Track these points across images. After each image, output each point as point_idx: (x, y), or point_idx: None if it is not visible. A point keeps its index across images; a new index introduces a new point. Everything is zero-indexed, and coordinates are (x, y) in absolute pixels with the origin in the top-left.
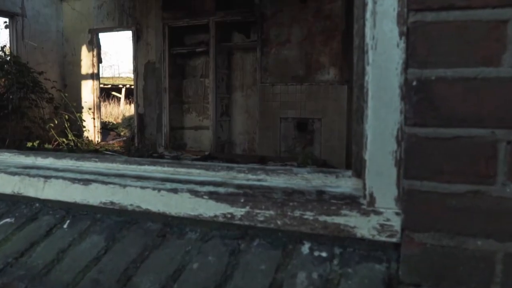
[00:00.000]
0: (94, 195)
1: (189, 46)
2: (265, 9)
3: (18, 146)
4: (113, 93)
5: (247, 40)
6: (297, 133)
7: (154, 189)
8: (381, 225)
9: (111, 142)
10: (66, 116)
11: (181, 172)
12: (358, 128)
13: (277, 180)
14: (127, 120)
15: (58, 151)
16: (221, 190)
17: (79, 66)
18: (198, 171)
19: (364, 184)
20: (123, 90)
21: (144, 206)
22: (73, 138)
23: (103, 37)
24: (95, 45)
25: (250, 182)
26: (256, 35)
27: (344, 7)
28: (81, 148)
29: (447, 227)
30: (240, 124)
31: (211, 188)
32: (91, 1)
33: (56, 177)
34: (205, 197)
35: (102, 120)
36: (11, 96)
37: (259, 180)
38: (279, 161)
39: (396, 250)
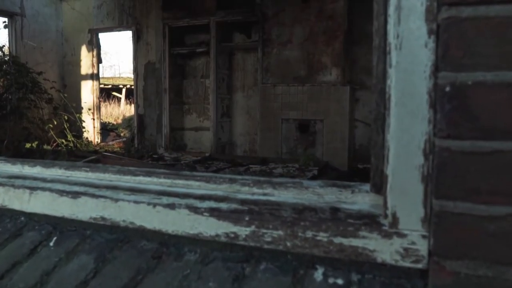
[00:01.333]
0: (84, 209)
1: (189, 46)
2: (266, 9)
3: (17, 147)
4: (114, 93)
5: (248, 40)
6: (298, 134)
7: (149, 204)
8: (405, 249)
9: (110, 143)
10: (66, 117)
11: (179, 184)
12: (378, 138)
13: (285, 195)
14: (127, 121)
15: (57, 152)
16: (223, 206)
17: (79, 66)
18: (197, 183)
19: (385, 202)
20: (124, 90)
21: (138, 222)
22: (73, 139)
23: (104, 37)
24: (95, 45)
25: (255, 197)
26: (257, 35)
27: (346, 7)
28: (81, 149)
29: (484, 255)
30: (241, 125)
31: (212, 204)
32: (91, 1)
33: (43, 189)
34: (205, 214)
35: (102, 121)
36: (9, 97)
37: (265, 194)
38: (281, 163)
39: (422, 278)
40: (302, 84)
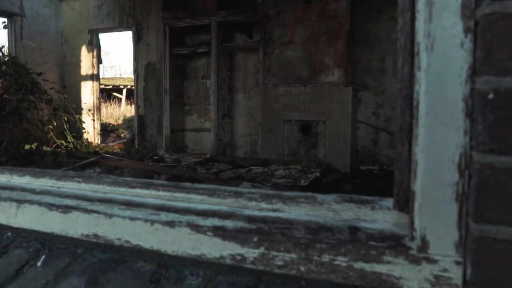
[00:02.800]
0: (75, 225)
1: (190, 47)
2: (268, 9)
3: (16, 149)
4: (114, 94)
5: (250, 40)
6: (300, 135)
7: (146, 221)
8: (436, 277)
9: (111, 144)
10: (65, 118)
11: (180, 198)
12: (403, 150)
13: (297, 211)
14: (128, 122)
15: (57, 153)
16: (229, 224)
17: (79, 67)
18: (200, 197)
19: (412, 222)
20: (124, 90)
21: (134, 241)
22: (72, 140)
23: (104, 37)
24: (95, 46)
25: (263, 213)
26: (259, 35)
27: (348, 7)
28: (80, 150)
29: None
30: (242, 126)
31: (216, 222)
32: (91, 1)
33: (31, 202)
34: (208, 233)
35: (102, 122)
36: (9, 97)
37: (274, 210)
38: (282, 164)
39: None
40: (304, 85)
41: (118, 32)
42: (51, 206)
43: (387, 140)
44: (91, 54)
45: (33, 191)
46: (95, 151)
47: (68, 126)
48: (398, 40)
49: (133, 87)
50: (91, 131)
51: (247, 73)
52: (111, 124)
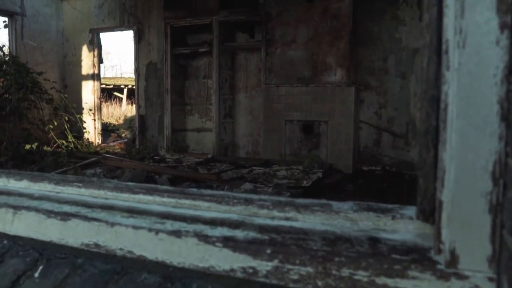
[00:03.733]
0: (75, 233)
1: (191, 46)
2: (270, 9)
3: (16, 149)
4: (115, 93)
5: (251, 40)
6: (302, 136)
7: (150, 230)
8: None
9: (112, 144)
10: (66, 118)
11: (186, 205)
12: (428, 156)
13: (311, 220)
14: (129, 122)
15: (57, 153)
16: (239, 234)
17: (80, 67)
18: (207, 204)
19: (439, 234)
20: (125, 90)
21: (137, 251)
22: (73, 140)
23: (106, 37)
24: (95, 45)
25: (275, 222)
26: (261, 35)
27: (351, 7)
28: (81, 150)
29: None
30: (243, 126)
31: (225, 231)
32: (92, 1)
33: (28, 208)
34: (218, 244)
35: (103, 122)
36: (9, 97)
37: (287, 219)
38: (284, 165)
39: None
40: (306, 85)
41: (119, 32)
42: (49, 213)
43: (389, 141)
44: (92, 53)
45: (30, 197)
46: (96, 151)
47: (68, 126)
48: (423, 38)
49: (134, 87)
50: (92, 131)
51: (249, 73)
52: (112, 124)
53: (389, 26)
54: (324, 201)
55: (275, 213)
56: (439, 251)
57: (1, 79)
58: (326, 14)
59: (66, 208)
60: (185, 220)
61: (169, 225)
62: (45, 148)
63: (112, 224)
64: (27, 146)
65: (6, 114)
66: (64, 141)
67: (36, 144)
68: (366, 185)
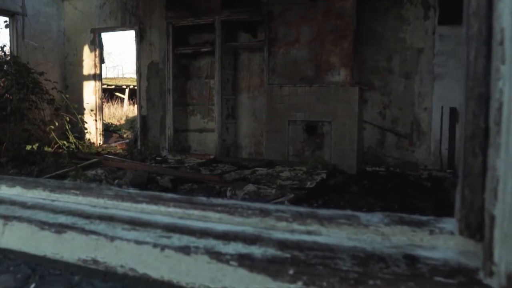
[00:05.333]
0: (71, 248)
1: (193, 46)
2: (272, 8)
3: (17, 149)
4: (117, 94)
5: (254, 39)
6: (306, 136)
7: (155, 246)
8: None
9: (113, 144)
10: (67, 118)
11: (194, 216)
12: (475, 162)
13: (337, 234)
14: (130, 122)
15: (58, 154)
16: (256, 251)
17: (81, 67)
18: (218, 215)
19: (490, 254)
20: (127, 90)
21: (140, 269)
22: (74, 140)
23: (107, 37)
24: (97, 45)
25: (296, 237)
26: (263, 34)
27: (355, 6)
28: (82, 151)
29: None
30: (246, 127)
31: (240, 248)
32: (93, 0)
33: (20, 219)
34: (232, 263)
35: (104, 122)
36: (10, 97)
37: (309, 233)
38: (288, 166)
39: None
40: (309, 85)
41: (120, 32)
42: (43, 225)
43: (393, 141)
44: (93, 53)
45: (23, 205)
46: (97, 151)
47: (70, 126)
48: (469, 28)
49: (135, 87)
50: (93, 132)
51: (252, 73)
52: (114, 124)
53: (393, 26)
54: (349, 212)
55: (295, 226)
56: (491, 274)
57: (2, 79)
58: (330, 13)
59: (62, 219)
60: (194, 233)
61: (176, 239)
62: (46, 148)
63: (112, 238)
64: (28, 147)
65: (7, 115)
66: (65, 142)
67: (37, 144)
68: (370, 186)
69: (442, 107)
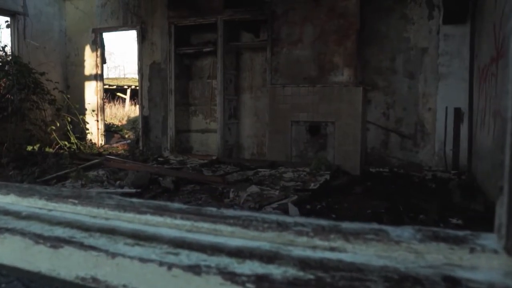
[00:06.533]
0: (68, 264)
1: (195, 46)
2: (275, 7)
3: (18, 150)
4: (118, 94)
5: (257, 39)
6: (309, 137)
7: (161, 264)
8: None
9: (115, 145)
10: (69, 118)
11: (203, 229)
12: None
13: (364, 251)
14: (132, 123)
15: (59, 155)
16: (275, 271)
17: (82, 67)
18: (230, 228)
19: None
20: (128, 91)
21: None
22: (76, 141)
23: (109, 37)
24: (98, 45)
25: (319, 254)
26: (266, 34)
27: (359, 5)
28: (84, 152)
29: None
30: (248, 127)
31: (257, 267)
32: (95, 0)
33: (13, 231)
34: (249, 286)
35: (106, 122)
36: (11, 98)
37: (333, 249)
38: (290, 167)
39: None
40: (312, 85)
41: (122, 31)
42: (37, 238)
43: (397, 142)
44: (95, 53)
45: (17, 215)
46: (99, 152)
47: (71, 126)
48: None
49: (137, 87)
50: (94, 132)
51: (254, 73)
52: (115, 124)
53: (397, 25)
54: (376, 225)
55: (317, 241)
56: None
57: (3, 80)
58: (333, 13)
59: (59, 232)
60: (204, 250)
61: (185, 257)
62: (47, 149)
63: (114, 255)
64: (29, 148)
65: (8, 115)
66: (66, 142)
67: (38, 145)
68: (374, 187)
69: (446, 108)
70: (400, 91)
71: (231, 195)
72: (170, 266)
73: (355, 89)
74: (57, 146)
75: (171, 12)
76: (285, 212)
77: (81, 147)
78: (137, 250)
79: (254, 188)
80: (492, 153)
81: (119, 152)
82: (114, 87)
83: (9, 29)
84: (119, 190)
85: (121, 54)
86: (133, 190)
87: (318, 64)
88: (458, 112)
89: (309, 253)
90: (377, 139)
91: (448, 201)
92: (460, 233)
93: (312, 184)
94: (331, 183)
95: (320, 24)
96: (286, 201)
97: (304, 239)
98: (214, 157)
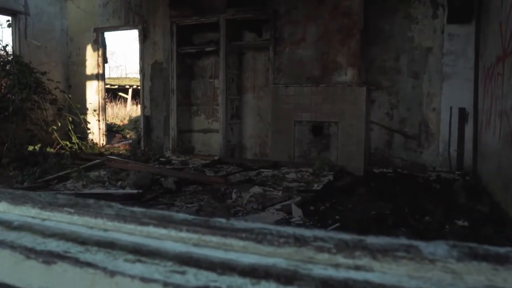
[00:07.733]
0: (62, 282)
1: (198, 46)
2: (278, 6)
3: (19, 150)
4: (120, 94)
5: (259, 39)
6: (312, 137)
7: (166, 285)
8: None
9: (116, 145)
10: (70, 118)
11: (212, 243)
12: None
13: (394, 271)
14: (133, 122)
15: (60, 155)
16: None
17: (84, 66)
18: (242, 243)
19: None
20: (130, 90)
21: None
22: (77, 141)
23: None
24: (100, 45)
25: (342, 274)
26: (269, 33)
27: (362, 4)
28: (85, 152)
29: None
30: (251, 127)
31: None
32: None
33: (3, 244)
34: None
35: (107, 122)
36: (12, 97)
37: (358, 268)
38: (293, 167)
39: None
40: (316, 85)
41: (124, 31)
42: (29, 252)
43: (401, 142)
44: (96, 53)
45: (8, 225)
46: (100, 152)
47: (72, 126)
48: None
49: (139, 87)
50: (96, 132)
51: (257, 73)
52: (117, 124)
53: (401, 25)
54: (405, 241)
55: (340, 259)
56: None
57: (4, 79)
58: (337, 12)
59: (52, 245)
60: (214, 268)
61: (192, 276)
62: (48, 149)
63: (113, 273)
64: (30, 147)
65: (9, 115)
66: (68, 142)
67: (39, 145)
68: (378, 188)
69: (451, 108)
70: (404, 91)
71: (234, 196)
72: (177, 287)
73: (358, 89)
74: (58, 146)
75: (173, 12)
76: (289, 213)
77: (83, 147)
78: (139, 268)
79: (256, 189)
80: (498, 153)
81: (120, 152)
82: (116, 86)
83: (10, 29)
84: (121, 190)
85: (122, 53)
86: (135, 191)
87: (322, 64)
88: (462, 112)
89: (331, 272)
90: (381, 139)
91: (453, 202)
92: (501, 249)
93: (316, 185)
94: (335, 183)
95: (323, 23)
96: (289, 202)
97: (325, 256)
98: (216, 158)
